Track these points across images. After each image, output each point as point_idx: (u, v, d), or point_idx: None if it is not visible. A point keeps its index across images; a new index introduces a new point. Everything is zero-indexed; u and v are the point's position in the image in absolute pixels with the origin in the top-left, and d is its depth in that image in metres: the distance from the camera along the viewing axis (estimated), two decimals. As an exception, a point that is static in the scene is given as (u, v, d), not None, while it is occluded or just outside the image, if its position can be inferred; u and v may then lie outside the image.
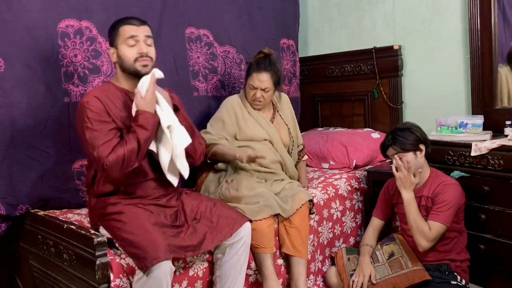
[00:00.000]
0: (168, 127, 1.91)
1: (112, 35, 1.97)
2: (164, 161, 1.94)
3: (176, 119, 1.96)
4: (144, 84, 1.89)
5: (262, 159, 2.32)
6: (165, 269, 1.72)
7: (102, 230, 1.93)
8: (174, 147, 1.93)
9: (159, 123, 1.91)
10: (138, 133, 1.84)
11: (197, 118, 2.73)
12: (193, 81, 2.83)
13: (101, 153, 1.80)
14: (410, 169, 2.19)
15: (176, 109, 2.01)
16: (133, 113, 1.89)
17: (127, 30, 1.92)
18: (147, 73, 1.91)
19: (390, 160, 2.27)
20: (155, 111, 1.90)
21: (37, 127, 2.21)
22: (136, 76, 1.93)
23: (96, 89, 1.98)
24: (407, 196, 2.20)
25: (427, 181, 2.26)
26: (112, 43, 1.97)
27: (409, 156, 2.20)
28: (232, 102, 2.58)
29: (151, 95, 1.88)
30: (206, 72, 2.89)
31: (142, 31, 1.94)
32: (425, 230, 2.13)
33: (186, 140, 1.95)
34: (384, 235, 2.50)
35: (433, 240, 2.14)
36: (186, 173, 2.00)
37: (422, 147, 2.23)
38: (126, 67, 1.94)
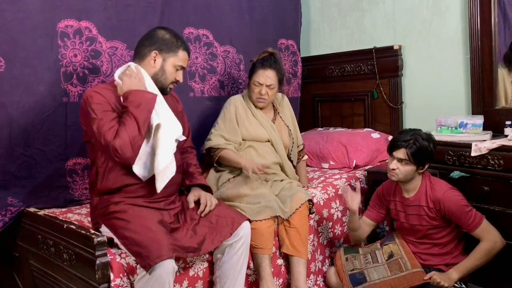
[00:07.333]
0: (157, 125, 1.91)
1: (168, 47, 2.00)
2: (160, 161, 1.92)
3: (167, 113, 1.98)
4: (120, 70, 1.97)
5: (267, 170, 2.35)
6: (168, 268, 1.72)
7: (104, 228, 1.93)
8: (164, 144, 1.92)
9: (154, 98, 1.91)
10: (132, 112, 1.85)
11: (191, 120, 2.71)
12: (189, 82, 2.83)
13: (107, 138, 1.81)
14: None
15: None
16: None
17: (184, 58, 2.05)
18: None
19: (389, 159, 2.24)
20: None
21: (35, 127, 2.23)
22: (159, 91, 2.02)
23: (96, 87, 2.03)
24: (455, 277, 2.10)
25: (421, 189, 2.20)
26: (161, 51, 2.00)
27: (411, 167, 2.14)
28: (236, 102, 2.58)
29: (135, 75, 1.93)
30: (204, 72, 2.89)
31: (188, 63, 2.11)
32: (484, 247, 2.08)
33: (177, 132, 1.99)
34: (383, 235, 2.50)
35: (495, 234, 2.09)
36: (160, 183, 1.93)
37: (427, 165, 2.18)
38: (160, 80, 2.02)
